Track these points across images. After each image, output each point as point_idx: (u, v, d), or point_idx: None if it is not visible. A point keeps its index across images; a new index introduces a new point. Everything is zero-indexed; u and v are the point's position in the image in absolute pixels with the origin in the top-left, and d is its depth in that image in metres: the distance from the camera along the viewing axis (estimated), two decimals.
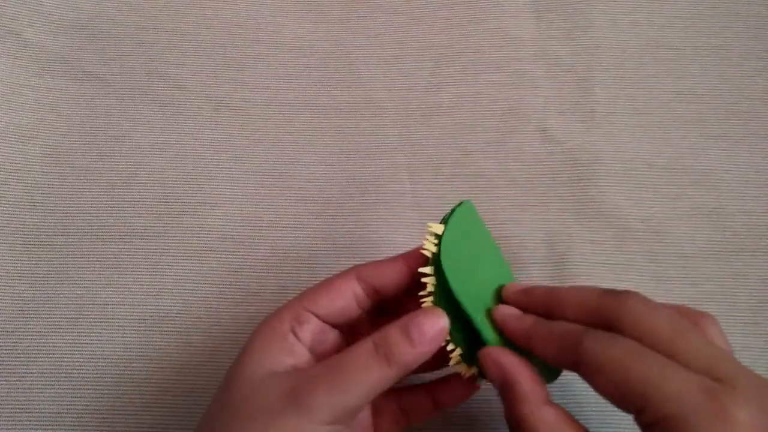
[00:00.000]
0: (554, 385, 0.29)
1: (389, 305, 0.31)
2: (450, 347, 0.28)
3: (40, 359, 0.37)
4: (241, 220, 0.40)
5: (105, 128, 0.42)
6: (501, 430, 0.35)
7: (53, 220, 0.40)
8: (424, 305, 0.28)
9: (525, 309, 0.28)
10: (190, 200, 0.40)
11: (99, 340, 0.37)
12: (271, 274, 0.39)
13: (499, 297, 0.30)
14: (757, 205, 0.40)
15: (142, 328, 0.37)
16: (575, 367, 0.24)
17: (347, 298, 0.28)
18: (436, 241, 0.29)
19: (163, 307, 0.38)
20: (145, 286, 0.38)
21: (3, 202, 0.40)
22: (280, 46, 0.44)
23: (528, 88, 0.43)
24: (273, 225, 0.40)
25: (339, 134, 0.42)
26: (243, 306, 0.38)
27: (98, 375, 0.36)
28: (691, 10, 0.44)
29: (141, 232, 0.39)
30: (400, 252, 0.40)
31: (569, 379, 0.28)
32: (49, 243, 0.39)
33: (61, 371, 0.36)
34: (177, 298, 0.38)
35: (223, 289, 0.38)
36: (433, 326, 0.26)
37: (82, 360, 0.37)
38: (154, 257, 0.39)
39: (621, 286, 0.37)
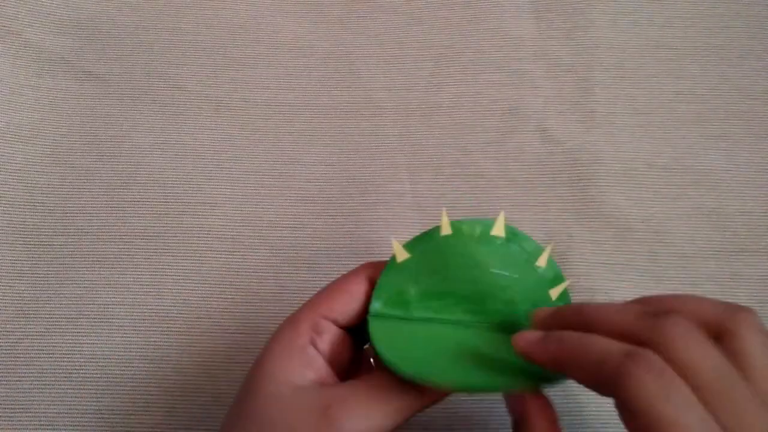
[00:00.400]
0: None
1: None
2: None
3: (40, 359, 0.37)
4: (241, 220, 0.40)
5: (105, 128, 0.42)
6: (501, 430, 0.35)
7: (53, 220, 0.40)
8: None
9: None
10: (190, 200, 0.40)
11: (99, 340, 0.37)
12: (271, 274, 0.39)
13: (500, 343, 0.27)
14: (757, 205, 0.40)
15: (142, 328, 0.37)
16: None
17: (361, 301, 0.27)
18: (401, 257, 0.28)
19: (163, 307, 0.38)
20: (145, 286, 0.38)
21: (3, 202, 0.40)
22: (280, 46, 0.44)
23: (528, 88, 0.43)
24: (273, 225, 0.40)
25: (339, 134, 0.42)
26: (243, 306, 0.38)
27: (98, 375, 0.36)
28: (691, 10, 0.44)
29: (141, 232, 0.39)
30: None
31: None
32: (49, 243, 0.39)
33: (61, 371, 0.36)
34: (177, 298, 0.38)
35: (223, 289, 0.38)
36: None
37: (82, 360, 0.37)
38: (154, 257, 0.39)
39: (621, 286, 0.38)
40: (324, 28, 0.45)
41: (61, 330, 0.37)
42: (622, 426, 0.21)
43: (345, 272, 0.38)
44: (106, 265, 0.39)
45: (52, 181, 0.40)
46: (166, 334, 0.37)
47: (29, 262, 0.39)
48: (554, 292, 0.27)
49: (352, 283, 0.28)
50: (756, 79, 0.43)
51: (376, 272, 0.28)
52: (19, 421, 0.35)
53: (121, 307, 0.38)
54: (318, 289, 0.38)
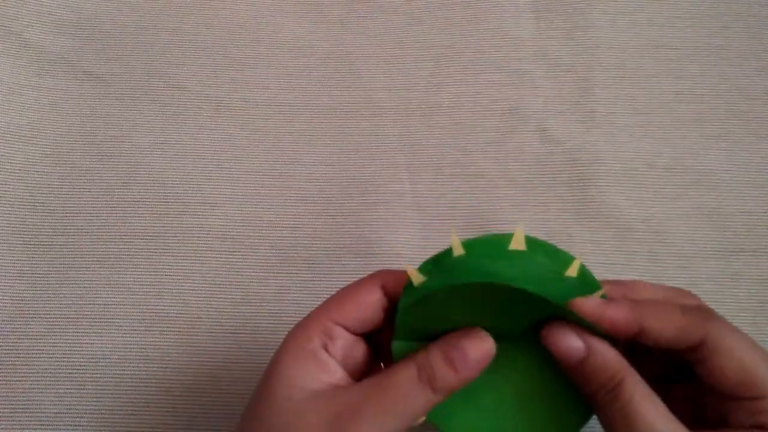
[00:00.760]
0: None
1: None
2: None
3: (40, 359, 0.37)
4: (241, 220, 0.40)
5: (105, 128, 0.42)
6: None
7: (53, 220, 0.40)
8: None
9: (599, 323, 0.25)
10: (190, 200, 0.40)
11: (99, 340, 0.37)
12: (271, 274, 0.39)
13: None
14: (757, 205, 0.40)
15: (142, 328, 0.37)
16: (691, 348, 0.24)
17: (374, 309, 0.27)
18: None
19: (163, 307, 0.38)
20: (145, 286, 0.38)
21: (3, 202, 0.40)
22: (280, 46, 0.44)
23: (528, 88, 0.43)
24: (273, 225, 0.40)
25: (339, 134, 0.42)
26: (243, 306, 0.38)
27: (98, 375, 0.36)
28: (691, 10, 0.44)
29: (141, 232, 0.39)
30: (400, 252, 0.40)
31: None
32: (49, 243, 0.39)
33: (61, 371, 0.36)
34: (177, 298, 0.38)
35: (223, 289, 0.38)
36: (477, 350, 0.25)
37: (82, 360, 0.37)
38: (154, 257, 0.39)
39: None
40: (324, 28, 0.45)
41: (61, 330, 0.37)
42: None
43: (345, 272, 0.39)
44: (106, 265, 0.39)
45: (52, 181, 0.40)
46: (166, 334, 0.37)
47: (29, 262, 0.39)
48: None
49: (364, 292, 0.27)
50: (756, 79, 0.42)
51: (389, 281, 0.27)
52: (20, 421, 0.35)
53: (121, 307, 0.38)
54: (318, 289, 0.38)
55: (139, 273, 0.38)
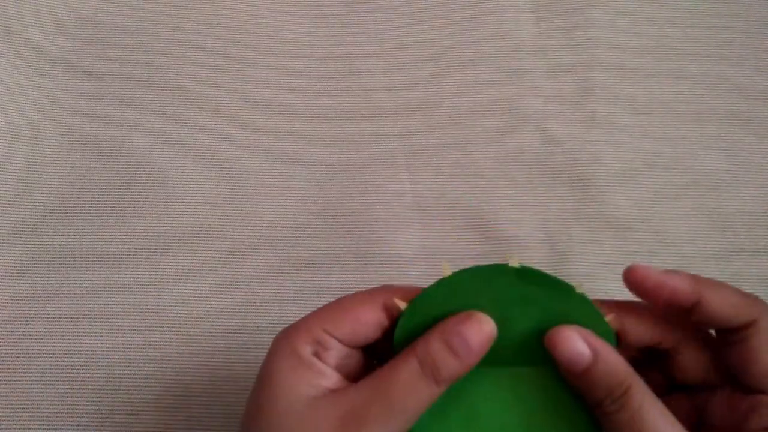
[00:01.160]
0: None
1: None
2: None
3: (40, 359, 0.37)
4: (241, 220, 0.40)
5: (105, 128, 0.42)
6: None
7: (53, 220, 0.40)
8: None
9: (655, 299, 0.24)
10: (190, 200, 0.40)
11: (99, 340, 0.37)
12: (271, 274, 0.39)
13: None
14: (757, 205, 0.40)
15: (142, 328, 0.37)
16: (737, 328, 0.24)
17: (372, 328, 0.25)
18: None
19: (163, 307, 0.38)
20: (145, 286, 0.38)
21: (3, 202, 0.40)
22: (280, 46, 0.44)
23: (528, 88, 0.43)
24: (273, 225, 0.40)
25: (339, 134, 0.42)
26: (243, 306, 0.38)
27: (98, 375, 0.36)
28: (691, 10, 0.44)
29: (141, 232, 0.39)
30: (400, 252, 0.40)
31: None
32: (49, 243, 0.39)
33: (61, 371, 0.36)
34: (177, 298, 0.38)
35: (223, 289, 0.38)
36: (478, 335, 0.24)
37: (82, 360, 0.37)
38: (154, 257, 0.39)
39: (621, 286, 0.37)
40: (324, 28, 0.45)
41: (61, 330, 0.37)
42: None
43: (345, 272, 0.39)
44: (106, 265, 0.39)
45: (52, 181, 0.40)
46: (166, 334, 0.37)
47: (29, 262, 0.39)
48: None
49: (364, 310, 0.25)
50: (756, 79, 0.43)
51: (390, 303, 0.25)
52: (20, 420, 0.35)
53: (121, 307, 0.38)
54: (318, 289, 0.38)
55: (139, 273, 0.38)
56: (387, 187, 0.40)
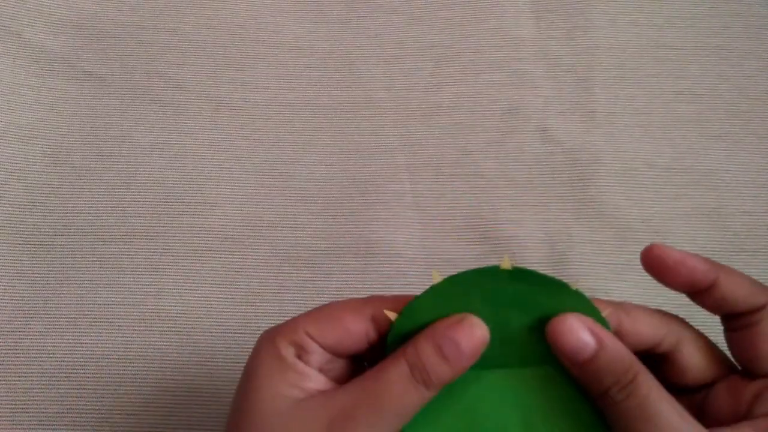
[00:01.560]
0: None
1: None
2: None
3: (40, 359, 0.37)
4: (241, 220, 0.40)
5: (105, 128, 0.42)
6: None
7: (53, 220, 0.40)
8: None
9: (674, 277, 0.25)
10: (190, 200, 0.40)
11: (99, 340, 0.37)
12: (271, 274, 0.39)
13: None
14: (757, 205, 0.40)
15: (142, 328, 0.37)
16: (748, 312, 0.24)
17: (358, 339, 0.24)
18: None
19: (163, 307, 0.38)
20: (145, 286, 0.38)
21: (3, 202, 0.40)
22: (280, 46, 0.44)
23: (528, 88, 0.43)
24: (273, 225, 0.40)
25: (339, 134, 0.42)
26: (243, 306, 0.38)
27: (98, 375, 0.36)
28: (691, 10, 0.44)
29: (141, 232, 0.39)
30: (400, 252, 0.40)
31: None
32: (49, 243, 0.39)
33: (61, 371, 0.36)
34: (177, 298, 0.38)
35: (223, 289, 0.38)
36: (468, 339, 0.23)
37: (82, 360, 0.37)
38: (154, 257, 0.39)
39: (621, 286, 0.38)
40: (324, 28, 0.45)
41: (61, 330, 0.37)
42: None
43: (345, 272, 0.39)
44: (106, 265, 0.39)
45: (52, 181, 0.40)
46: (166, 334, 0.37)
47: (29, 262, 0.39)
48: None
49: (351, 317, 0.24)
50: (756, 79, 0.43)
51: (378, 314, 0.24)
52: (20, 420, 0.35)
53: (121, 307, 0.38)
54: (318, 289, 0.38)
55: (139, 273, 0.38)
56: (387, 187, 0.40)
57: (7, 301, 0.38)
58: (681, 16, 0.44)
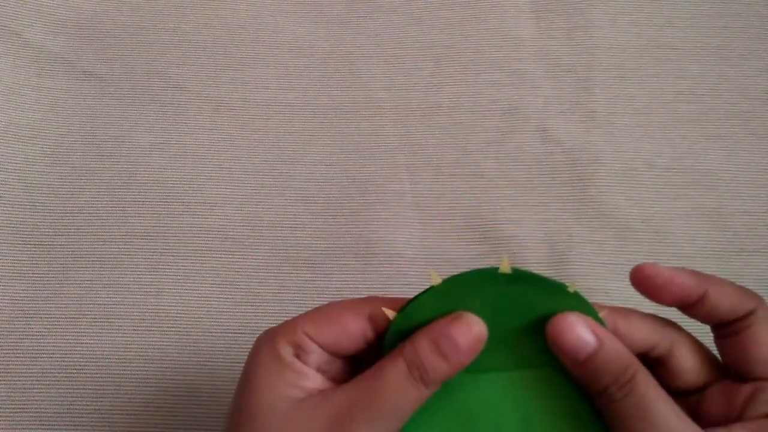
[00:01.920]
0: None
1: None
2: None
3: (40, 359, 0.37)
4: (241, 220, 0.40)
5: (105, 128, 0.42)
6: None
7: (53, 220, 0.40)
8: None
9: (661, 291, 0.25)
10: (190, 200, 0.40)
11: (99, 340, 0.37)
12: (271, 274, 0.39)
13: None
14: (757, 205, 0.40)
15: (142, 328, 0.37)
16: (741, 317, 0.24)
17: (356, 339, 0.25)
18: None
19: (163, 307, 0.38)
20: (145, 286, 0.38)
21: (3, 202, 0.40)
22: (280, 46, 0.44)
23: (528, 88, 0.43)
24: (273, 225, 0.40)
25: (339, 134, 0.42)
26: (243, 306, 0.38)
27: (98, 375, 0.36)
28: (691, 10, 0.44)
29: (141, 232, 0.39)
30: (400, 252, 0.40)
31: None
32: (49, 243, 0.39)
33: (61, 371, 0.36)
34: (177, 298, 0.38)
35: (223, 289, 0.38)
36: (466, 336, 0.23)
37: (82, 360, 0.37)
38: (154, 257, 0.39)
39: (621, 286, 0.38)
40: (324, 28, 0.45)
41: (61, 330, 0.37)
42: None
43: (345, 272, 0.39)
44: (106, 265, 0.39)
45: (52, 181, 0.40)
46: (166, 334, 0.37)
47: (29, 262, 0.39)
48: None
49: (348, 319, 0.24)
50: (756, 79, 0.43)
51: (375, 314, 0.25)
52: (19, 420, 0.35)
53: (121, 307, 0.38)
54: (318, 289, 0.38)
55: (139, 273, 0.38)
56: (387, 187, 0.40)
57: (7, 301, 0.38)
58: (681, 16, 0.44)
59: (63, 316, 0.37)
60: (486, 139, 0.42)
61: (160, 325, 0.37)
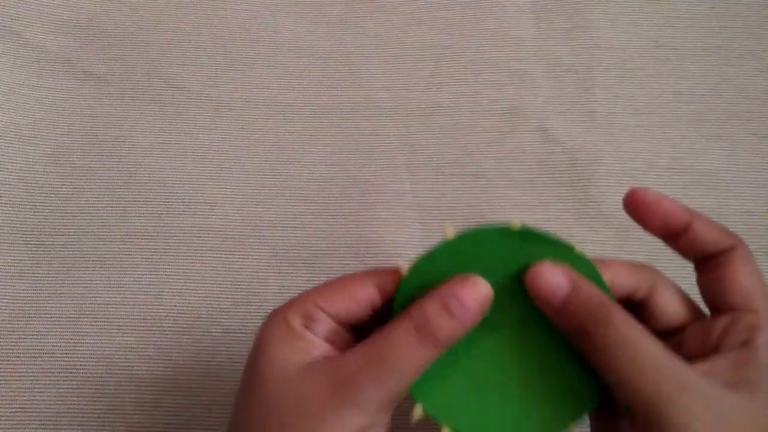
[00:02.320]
0: None
1: None
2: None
3: (40, 359, 0.37)
4: (241, 220, 0.40)
5: (105, 128, 0.42)
6: None
7: (53, 220, 0.40)
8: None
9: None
10: (190, 200, 0.40)
11: (99, 340, 0.37)
12: (271, 274, 0.39)
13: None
14: (757, 205, 0.40)
15: (142, 328, 0.37)
16: (718, 255, 0.26)
17: (364, 306, 0.26)
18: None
19: (163, 307, 0.38)
20: (145, 286, 0.38)
21: (3, 202, 0.40)
22: (280, 46, 0.44)
23: (528, 88, 0.43)
24: (273, 225, 0.40)
25: (339, 134, 0.42)
26: (243, 306, 0.38)
27: (98, 375, 0.36)
28: (690, 10, 0.44)
29: (141, 232, 0.39)
30: (400, 252, 0.40)
31: None
32: (49, 243, 0.39)
33: (61, 371, 0.36)
34: (177, 298, 0.38)
35: (223, 289, 0.38)
36: (474, 296, 0.24)
37: (82, 360, 0.37)
38: (154, 257, 0.39)
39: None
40: (324, 28, 0.45)
41: (61, 330, 0.37)
42: None
43: (345, 272, 0.39)
44: (106, 265, 0.39)
45: (52, 181, 0.41)
46: (166, 334, 0.37)
47: (29, 262, 0.39)
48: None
49: (357, 286, 0.26)
50: (756, 79, 0.43)
51: (386, 282, 0.26)
52: (19, 420, 0.35)
53: (121, 307, 0.38)
54: None
55: (139, 273, 0.38)
56: (387, 187, 0.40)
57: (7, 301, 0.38)
58: (681, 16, 0.44)
59: (63, 316, 0.37)
60: (486, 139, 0.42)
61: (161, 325, 0.37)
